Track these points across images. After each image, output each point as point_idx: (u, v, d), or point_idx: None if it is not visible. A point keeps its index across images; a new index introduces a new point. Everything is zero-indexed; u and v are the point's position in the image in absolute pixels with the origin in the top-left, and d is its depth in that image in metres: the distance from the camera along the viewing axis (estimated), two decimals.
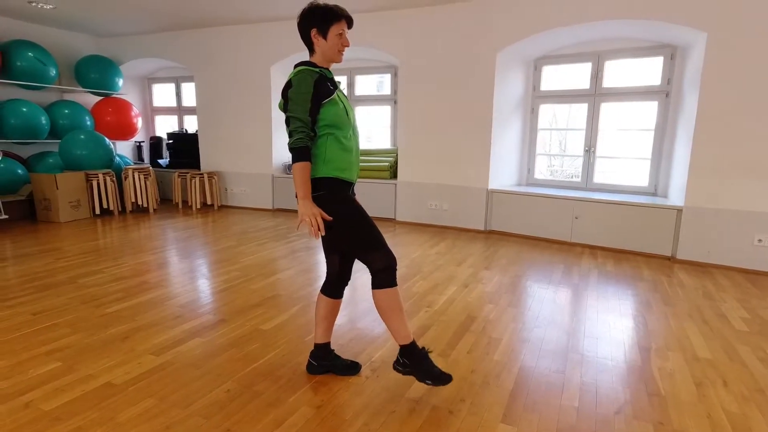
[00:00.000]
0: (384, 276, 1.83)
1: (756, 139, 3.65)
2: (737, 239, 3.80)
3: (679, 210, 4.03)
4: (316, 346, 2.08)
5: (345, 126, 1.84)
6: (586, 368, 2.17)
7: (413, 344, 1.87)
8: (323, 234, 1.78)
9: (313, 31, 1.80)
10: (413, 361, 1.86)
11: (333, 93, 1.80)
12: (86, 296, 3.00)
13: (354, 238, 1.83)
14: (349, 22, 1.85)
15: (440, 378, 1.85)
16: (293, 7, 5.22)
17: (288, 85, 1.78)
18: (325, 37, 1.81)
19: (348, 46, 1.87)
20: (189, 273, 3.55)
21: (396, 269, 1.86)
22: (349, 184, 1.90)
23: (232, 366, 2.13)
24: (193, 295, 3.07)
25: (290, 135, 1.77)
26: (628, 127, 4.84)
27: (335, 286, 2.03)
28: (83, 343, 2.34)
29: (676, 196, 4.27)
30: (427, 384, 1.86)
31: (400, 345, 1.87)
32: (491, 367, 2.17)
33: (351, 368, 2.11)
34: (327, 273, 2.04)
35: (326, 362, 2.09)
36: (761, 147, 3.64)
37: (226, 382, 1.99)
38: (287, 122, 1.79)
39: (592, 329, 2.61)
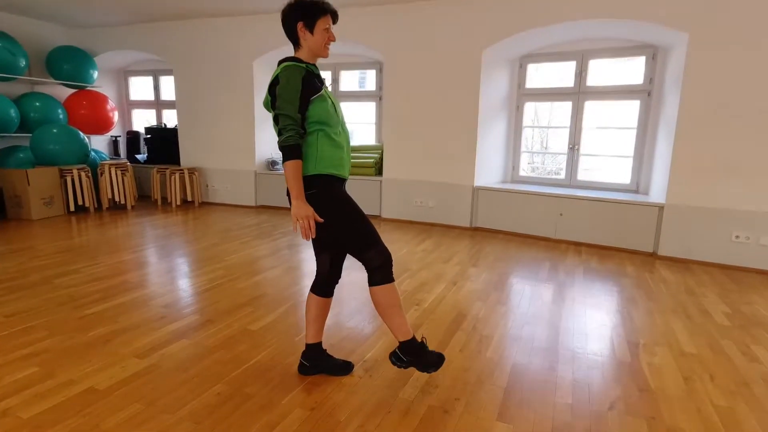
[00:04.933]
0: (381, 273, 1.80)
1: (735, 138, 3.75)
2: (716, 236, 3.90)
3: (661, 207, 4.11)
4: (308, 346, 2.04)
5: (334, 122, 1.80)
6: (578, 365, 2.19)
7: (414, 339, 1.85)
8: (314, 237, 1.74)
9: (300, 25, 1.75)
10: (415, 356, 1.84)
11: (321, 89, 1.76)
12: (63, 297, 2.89)
13: (350, 235, 1.80)
14: (335, 17, 1.81)
15: (439, 362, 1.85)
16: (276, 0, 5.11)
17: (275, 82, 1.73)
18: (311, 31, 1.77)
19: (334, 40, 1.83)
20: (172, 272, 3.45)
21: (392, 265, 1.83)
22: (342, 181, 1.86)
23: (221, 368, 2.07)
24: (177, 295, 2.98)
25: (280, 133, 1.72)
26: (610, 125, 4.92)
27: (326, 284, 1.99)
28: (62, 347, 2.25)
29: (657, 194, 4.35)
30: (430, 372, 1.84)
31: (400, 341, 1.85)
32: (484, 365, 2.17)
33: (343, 368, 2.07)
34: (317, 272, 2.00)
35: (318, 363, 2.05)
36: (740, 146, 3.74)
37: (215, 385, 1.93)
38: (275, 120, 1.74)
39: (581, 326, 2.63)
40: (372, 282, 1.81)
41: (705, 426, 1.74)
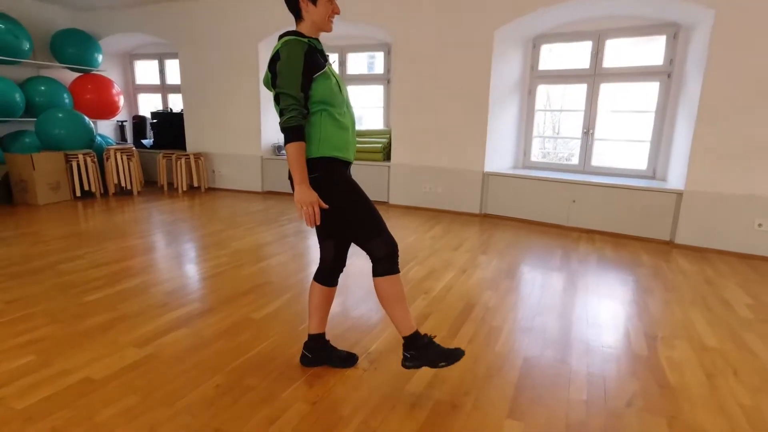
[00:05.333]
0: (386, 263, 1.70)
1: (760, 121, 3.56)
2: (737, 224, 3.74)
3: (679, 194, 3.96)
4: (310, 337, 1.96)
5: (338, 102, 1.69)
6: (592, 358, 2.09)
7: (416, 334, 1.75)
8: (318, 224, 1.65)
9: None
10: (419, 350, 1.73)
11: (324, 66, 1.65)
12: (65, 284, 2.84)
13: (354, 222, 1.70)
14: None
15: (452, 355, 1.73)
16: None
17: (275, 58, 1.62)
18: (314, 2, 1.65)
19: (338, 13, 1.72)
20: (175, 258, 3.39)
21: (398, 255, 1.74)
22: (347, 164, 1.76)
23: (221, 359, 2.01)
24: (180, 282, 2.92)
25: (281, 114, 1.62)
26: (627, 109, 4.73)
27: (330, 273, 1.90)
28: (60, 335, 2.20)
29: (675, 180, 4.19)
30: (442, 366, 1.72)
31: (402, 336, 1.76)
32: (494, 358, 2.08)
33: (347, 360, 2.00)
34: (321, 259, 1.91)
35: (321, 354, 1.97)
36: (765, 131, 3.56)
37: (214, 377, 1.87)
38: (276, 99, 1.63)
39: (596, 317, 2.53)
40: (376, 272, 1.72)
41: (730, 426, 1.64)
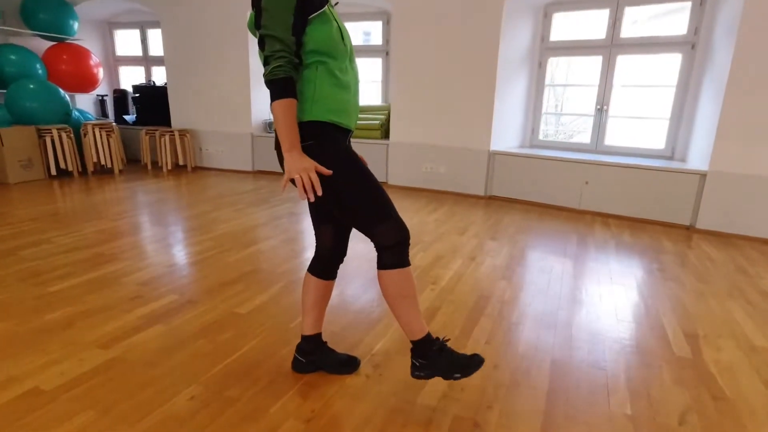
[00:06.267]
0: (395, 254, 1.39)
1: None
2: (766, 207, 3.47)
3: (703, 175, 3.67)
4: (304, 338, 1.67)
5: (340, 54, 1.35)
6: (629, 362, 1.81)
7: (427, 338, 1.45)
8: (320, 195, 1.31)
9: None
10: (430, 358, 1.44)
11: (324, 6, 1.30)
12: (26, 272, 2.51)
13: (356, 204, 1.37)
14: None
15: (469, 364, 1.43)
16: None
17: None
18: None
19: None
20: (154, 243, 3.07)
21: (409, 245, 1.43)
22: (346, 133, 1.43)
23: (198, 363, 1.71)
24: (157, 270, 2.60)
25: (266, 62, 1.27)
26: (645, 84, 4.40)
27: (327, 264, 1.60)
28: (12, 333, 1.88)
29: (697, 160, 3.90)
30: (457, 378, 1.43)
31: (411, 341, 1.47)
32: (518, 361, 1.79)
33: (347, 365, 1.71)
34: (316, 247, 1.60)
35: (316, 358, 1.68)
36: None
37: (189, 386, 1.57)
38: (261, 44, 1.29)
39: (625, 311, 2.25)
40: (382, 264, 1.41)
41: None
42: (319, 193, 1.30)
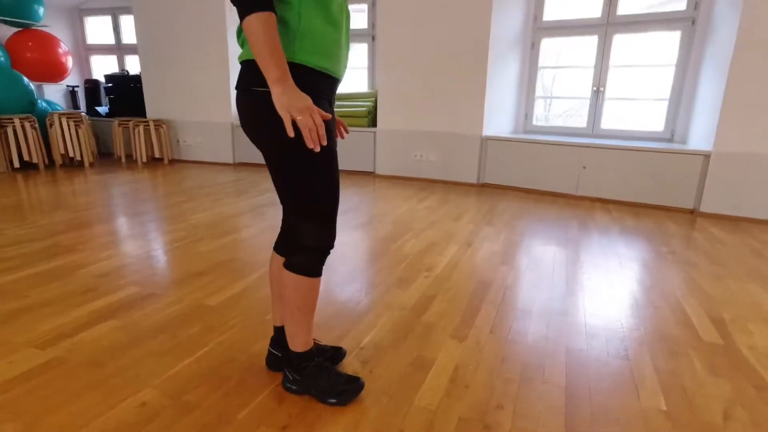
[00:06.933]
0: (310, 259, 1.18)
1: None
2: None
3: (707, 156, 3.49)
4: (277, 330, 1.41)
5: None
6: (654, 349, 1.59)
7: (309, 353, 1.28)
8: (325, 144, 1.04)
9: None
10: (305, 376, 1.28)
11: None
12: None
13: (298, 186, 1.12)
14: None
15: (348, 390, 1.28)
16: None
17: None
18: None
19: None
20: (117, 233, 2.78)
21: (327, 255, 1.22)
22: (332, 82, 1.16)
23: (154, 362, 1.44)
24: (118, 261, 2.32)
25: None
26: (643, 64, 4.22)
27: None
28: None
29: (698, 141, 3.72)
30: (332, 404, 1.26)
31: (291, 350, 1.28)
32: (528, 352, 1.56)
33: (331, 358, 1.46)
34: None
35: None
36: None
37: (141, 390, 1.31)
38: None
39: (640, 295, 2.04)
40: (291, 265, 1.19)
41: None
42: (324, 142, 1.04)
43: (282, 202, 1.20)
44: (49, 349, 1.51)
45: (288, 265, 1.19)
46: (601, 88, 4.31)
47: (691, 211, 3.62)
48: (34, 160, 4.87)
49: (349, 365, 1.46)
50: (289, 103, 0.99)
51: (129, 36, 6.27)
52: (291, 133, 1.00)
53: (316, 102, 1.09)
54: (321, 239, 1.17)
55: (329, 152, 1.12)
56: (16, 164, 4.75)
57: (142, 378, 1.36)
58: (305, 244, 1.17)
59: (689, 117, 3.98)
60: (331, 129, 1.13)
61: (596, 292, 2.06)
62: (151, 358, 1.46)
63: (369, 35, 5.20)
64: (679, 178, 3.61)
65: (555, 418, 1.24)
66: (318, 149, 1.03)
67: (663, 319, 1.82)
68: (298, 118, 0.99)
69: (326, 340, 1.59)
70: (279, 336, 1.40)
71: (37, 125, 4.87)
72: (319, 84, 1.11)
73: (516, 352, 1.56)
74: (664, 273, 2.31)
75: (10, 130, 4.65)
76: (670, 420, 1.24)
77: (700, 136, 3.70)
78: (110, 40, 6.39)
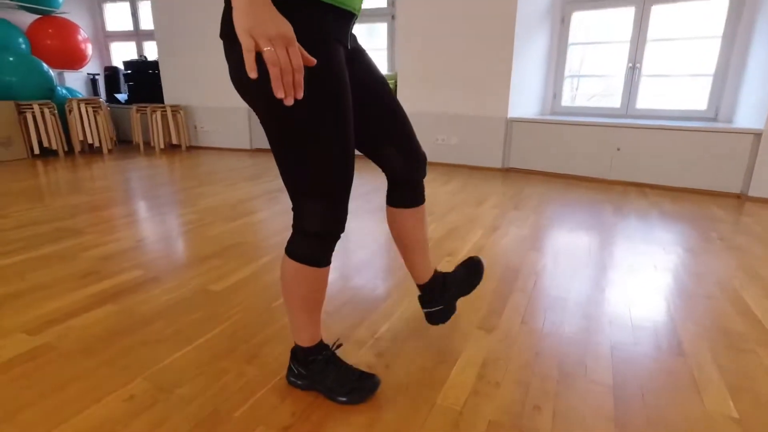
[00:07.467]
0: (311, 245, 0.98)
1: None
2: None
3: (757, 135, 3.18)
4: (420, 287, 1.35)
5: None
6: (715, 346, 1.38)
7: (317, 347, 1.10)
8: (301, 96, 0.74)
9: None
10: (311, 370, 1.11)
11: None
12: None
13: (299, 154, 0.90)
14: None
15: (361, 387, 1.11)
16: None
17: None
18: None
19: None
20: (126, 217, 2.68)
21: (335, 241, 1.01)
22: (345, 21, 0.93)
23: (149, 351, 1.31)
24: (124, 244, 2.21)
25: None
26: (684, 37, 3.89)
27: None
28: None
29: (747, 120, 3.41)
30: (342, 403, 1.09)
31: (296, 344, 1.11)
32: (565, 345, 1.37)
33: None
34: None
35: None
36: None
37: (131, 382, 1.17)
38: None
39: (690, 284, 1.81)
40: (292, 251, 1.00)
41: None
42: (299, 95, 0.74)
43: (283, 180, 0.97)
44: (39, 334, 1.39)
45: (288, 250, 1.01)
46: (638, 65, 4.01)
47: (738, 196, 3.32)
48: (54, 147, 4.86)
49: (363, 357, 1.30)
50: (255, 24, 0.68)
51: (147, 22, 6.21)
52: (252, 73, 0.68)
53: (325, 44, 0.87)
54: (323, 220, 0.95)
55: (336, 110, 0.89)
56: (36, 150, 4.74)
57: (134, 368, 1.23)
58: (307, 228, 0.96)
59: (736, 94, 3.66)
60: (340, 79, 0.90)
61: (639, 280, 1.84)
62: (145, 347, 1.33)
63: (389, 14, 4.98)
64: (724, 160, 3.32)
65: (602, 423, 1.05)
66: (289, 102, 0.73)
67: (721, 311, 1.59)
68: (265, 50, 0.69)
69: (337, 330, 1.43)
70: (423, 293, 1.33)
71: (56, 111, 4.86)
72: (326, 15, 0.86)
73: (552, 346, 1.37)
74: (717, 260, 2.07)
75: (29, 116, 4.64)
76: (743, 429, 1.04)
77: (750, 114, 3.38)
78: (129, 26, 6.35)
